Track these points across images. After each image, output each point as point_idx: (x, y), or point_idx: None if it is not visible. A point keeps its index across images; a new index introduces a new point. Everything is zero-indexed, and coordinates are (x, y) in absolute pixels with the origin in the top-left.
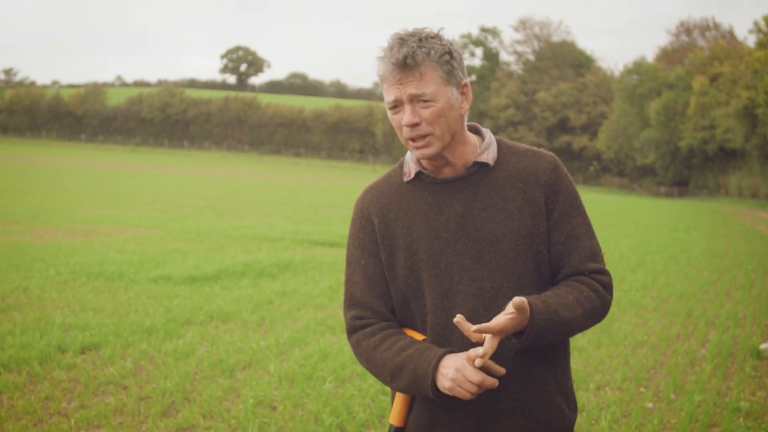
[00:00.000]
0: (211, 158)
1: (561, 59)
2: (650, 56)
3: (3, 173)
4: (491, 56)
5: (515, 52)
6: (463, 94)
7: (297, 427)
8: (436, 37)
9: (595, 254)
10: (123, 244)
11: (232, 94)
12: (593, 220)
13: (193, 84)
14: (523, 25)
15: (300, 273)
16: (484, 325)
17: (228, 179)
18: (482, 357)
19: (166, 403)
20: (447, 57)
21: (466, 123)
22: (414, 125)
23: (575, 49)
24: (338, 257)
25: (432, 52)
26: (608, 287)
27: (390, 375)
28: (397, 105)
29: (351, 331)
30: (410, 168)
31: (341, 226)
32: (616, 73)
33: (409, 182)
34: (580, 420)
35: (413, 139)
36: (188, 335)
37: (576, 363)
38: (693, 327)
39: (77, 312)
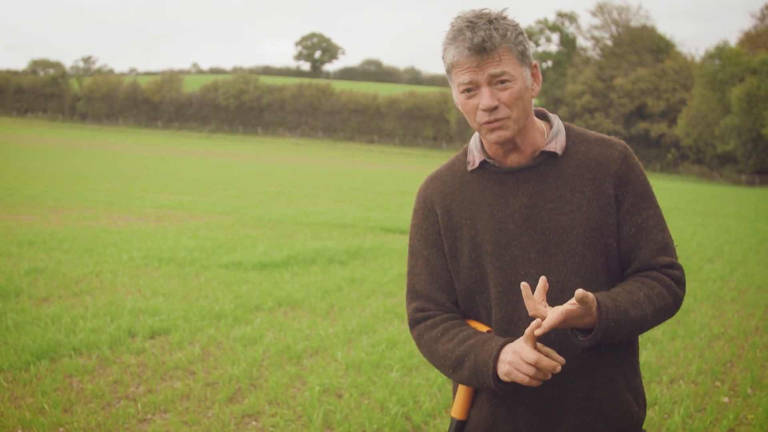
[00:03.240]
0: (284, 145)
1: (640, 44)
2: (733, 41)
3: (81, 160)
4: (568, 42)
5: (592, 38)
6: (533, 75)
7: (362, 416)
8: (505, 18)
9: (667, 247)
10: (195, 230)
11: (306, 80)
12: (670, 208)
13: (267, 71)
14: (601, 9)
15: (370, 260)
16: (546, 324)
17: (301, 166)
18: (540, 327)
19: (232, 389)
20: (521, 38)
21: (533, 107)
22: (493, 108)
23: (654, 34)
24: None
25: (508, 33)
26: (680, 282)
27: (452, 366)
28: (472, 88)
29: (413, 323)
30: (474, 156)
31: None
32: (697, 59)
33: (473, 171)
34: (652, 414)
35: (489, 122)
36: (257, 321)
37: (649, 355)
38: None
39: (148, 297)
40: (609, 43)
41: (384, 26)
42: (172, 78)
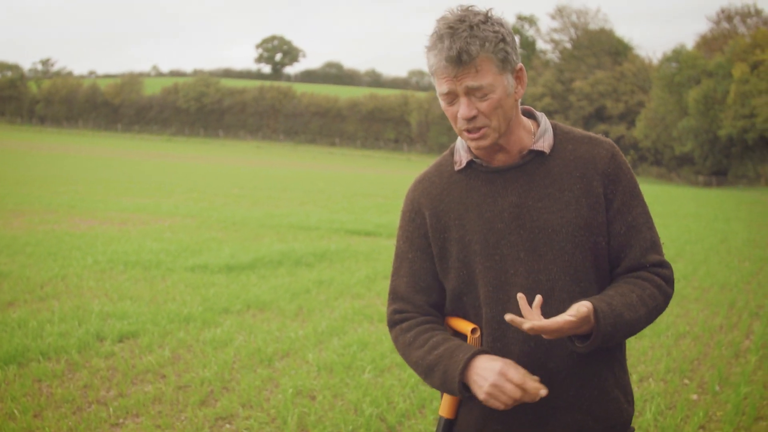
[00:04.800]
0: (246, 148)
1: (598, 47)
2: (690, 44)
3: (41, 163)
4: (527, 45)
5: (552, 41)
6: (518, 78)
7: (337, 417)
8: (487, 21)
9: (656, 245)
10: (159, 232)
11: (267, 83)
12: None
13: (228, 74)
14: (560, 13)
15: (336, 262)
16: (538, 324)
17: (263, 168)
18: (532, 326)
19: (204, 392)
20: (501, 45)
21: (519, 107)
22: (471, 118)
23: (613, 37)
24: (374, 247)
25: (487, 43)
26: (670, 281)
27: (424, 374)
28: (451, 97)
29: (391, 325)
30: (461, 156)
31: (377, 216)
32: (655, 62)
33: (460, 171)
34: None
35: (469, 131)
36: (226, 324)
37: None
38: (736, 318)
39: (115, 300)
40: (568, 45)
41: (344, 29)
42: (132, 80)
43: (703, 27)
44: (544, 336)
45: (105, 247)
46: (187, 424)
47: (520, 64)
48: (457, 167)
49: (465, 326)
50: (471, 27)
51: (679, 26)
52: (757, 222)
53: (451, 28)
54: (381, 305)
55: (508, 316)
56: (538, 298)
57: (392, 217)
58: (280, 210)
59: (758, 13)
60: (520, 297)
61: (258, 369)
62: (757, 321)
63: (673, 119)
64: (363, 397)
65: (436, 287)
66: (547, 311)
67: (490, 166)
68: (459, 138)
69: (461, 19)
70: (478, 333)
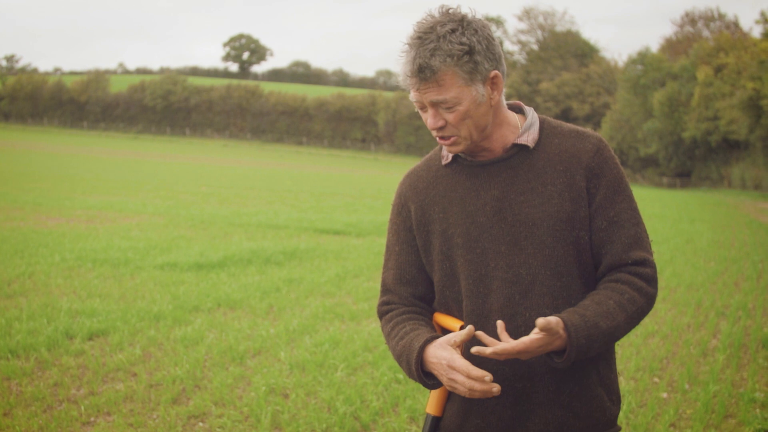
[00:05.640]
0: (213, 146)
1: (565, 49)
2: (655, 47)
3: (5, 160)
4: None
5: (519, 42)
6: (492, 85)
7: (311, 416)
8: (458, 30)
9: (640, 241)
10: (127, 230)
11: (235, 82)
12: None
13: (195, 72)
14: (527, 14)
15: (306, 261)
16: (501, 347)
17: (230, 167)
18: (493, 349)
19: (176, 390)
20: (467, 57)
21: (505, 103)
22: (439, 128)
23: (579, 39)
24: (343, 245)
25: (449, 58)
26: (651, 280)
27: (400, 365)
28: (420, 105)
29: (379, 316)
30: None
31: (345, 215)
32: (620, 64)
33: (447, 165)
34: None
35: (441, 137)
36: (197, 322)
37: None
38: (703, 317)
39: (84, 298)
40: (535, 47)
41: (312, 28)
42: (98, 78)
43: (667, 30)
44: (513, 357)
45: (72, 244)
46: (160, 423)
47: (494, 72)
48: (443, 161)
49: (453, 323)
50: (438, 38)
51: (643, 29)
52: (721, 223)
53: (419, 38)
54: (352, 304)
55: (474, 349)
56: (500, 324)
57: (361, 216)
58: (248, 209)
59: (721, 17)
60: (500, 324)
61: (230, 367)
62: (724, 320)
63: (638, 121)
64: (336, 396)
65: (422, 279)
66: (527, 305)
67: (474, 161)
68: None
69: (431, 29)
70: None
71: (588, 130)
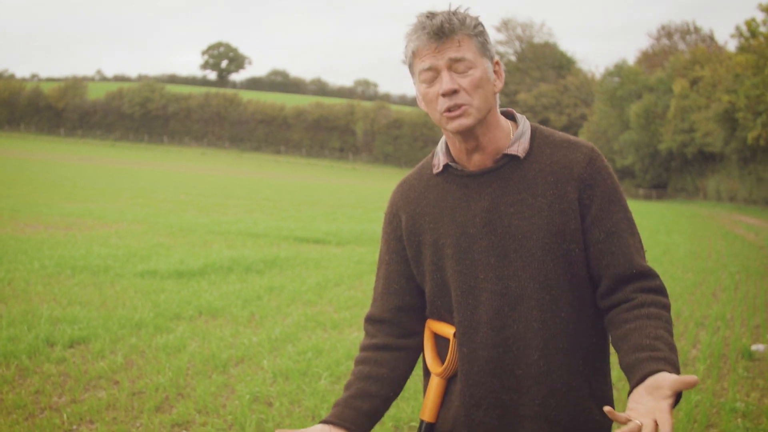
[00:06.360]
0: (191, 154)
1: (542, 61)
2: (631, 59)
3: None
4: None
5: (497, 53)
6: (496, 72)
7: (295, 424)
8: (465, 11)
9: (639, 252)
10: (106, 238)
11: (213, 90)
12: None
13: (173, 80)
14: (505, 25)
15: (286, 269)
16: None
17: (208, 175)
18: None
19: (159, 398)
20: (480, 28)
21: (498, 106)
22: (452, 92)
23: (557, 51)
24: (323, 254)
25: (467, 20)
26: (665, 290)
27: None
28: (433, 75)
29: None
30: (439, 159)
31: (325, 224)
32: (597, 76)
33: (438, 174)
34: None
35: (450, 109)
36: (178, 330)
37: None
38: (683, 328)
39: (64, 305)
40: (513, 58)
41: (291, 37)
42: (75, 84)
43: (644, 43)
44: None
45: (51, 251)
46: (143, 431)
47: (497, 59)
48: (435, 170)
49: (446, 329)
50: (450, 12)
51: (620, 42)
52: (698, 234)
53: (430, 13)
54: (333, 312)
55: (606, 408)
56: (608, 409)
57: (340, 225)
58: (227, 217)
59: (697, 30)
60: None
61: (213, 375)
62: (703, 330)
63: (614, 132)
64: (320, 404)
65: (410, 290)
66: (516, 318)
67: (465, 170)
68: (440, 141)
69: (438, 10)
70: None
71: (581, 139)
